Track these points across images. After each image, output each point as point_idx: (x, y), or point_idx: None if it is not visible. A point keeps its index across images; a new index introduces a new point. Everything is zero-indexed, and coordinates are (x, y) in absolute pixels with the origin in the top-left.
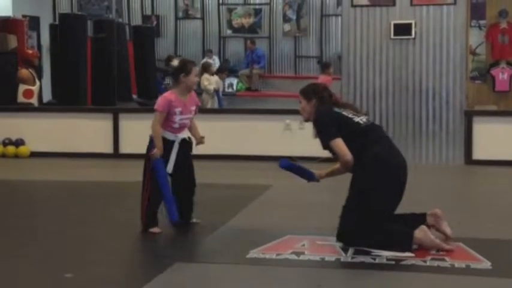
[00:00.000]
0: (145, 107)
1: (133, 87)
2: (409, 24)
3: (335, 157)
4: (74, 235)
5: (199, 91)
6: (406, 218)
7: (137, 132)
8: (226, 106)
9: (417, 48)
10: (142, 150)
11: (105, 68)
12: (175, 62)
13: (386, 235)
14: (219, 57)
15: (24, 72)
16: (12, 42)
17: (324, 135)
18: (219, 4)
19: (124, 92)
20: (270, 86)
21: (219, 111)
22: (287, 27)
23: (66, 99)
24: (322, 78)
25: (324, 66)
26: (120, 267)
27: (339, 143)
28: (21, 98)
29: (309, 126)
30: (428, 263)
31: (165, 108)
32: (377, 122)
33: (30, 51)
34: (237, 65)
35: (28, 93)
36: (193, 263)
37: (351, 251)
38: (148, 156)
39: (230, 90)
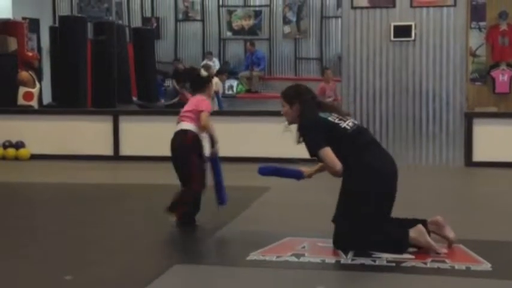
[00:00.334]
0: (146, 109)
1: (133, 89)
2: (409, 26)
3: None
4: (74, 237)
5: None
6: (405, 223)
7: (137, 134)
8: (226, 108)
9: (417, 49)
10: (143, 152)
11: (105, 70)
12: (204, 72)
13: (382, 237)
14: (219, 59)
15: (24, 74)
16: (12, 44)
17: (312, 144)
18: (219, 6)
19: (124, 94)
20: (270, 88)
21: (219, 113)
22: (287, 29)
23: (66, 101)
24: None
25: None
26: (119, 269)
27: (328, 153)
28: (21, 101)
29: (294, 128)
30: (428, 265)
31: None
32: (377, 124)
33: (30, 54)
34: (237, 67)
35: (28, 96)
36: (193, 265)
37: (351, 253)
38: (191, 151)
39: (230, 92)
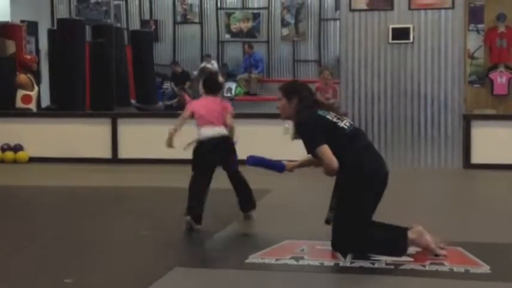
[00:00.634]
0: (144, 112)
1: (131, 92)
2: (407, 29)
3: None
4: (73, 240)
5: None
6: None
7: (136, 137)
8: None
9: (415, 52)
10: (141, 155)
11: (103, 72)
12: (221, 78)
13: (382, 239)
14: (218, 62)
15: (22, 77)
16: (11, 47)
17: (310, 141)
18: (217, 8)
19: (122, 97)
20: (269, 90)
21: None
22: (285, 31)
23: (65, 104)
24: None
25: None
26: (119, 272)
27: (326, 150)
28: (19, 104)
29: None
30: (427, 268)
31: None
32: (375, 126)
33: (28, 57)
34: (236, 69)
35: (26, 99)
36: (193, 267)
37: (350, 255)
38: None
39: (229, 94)
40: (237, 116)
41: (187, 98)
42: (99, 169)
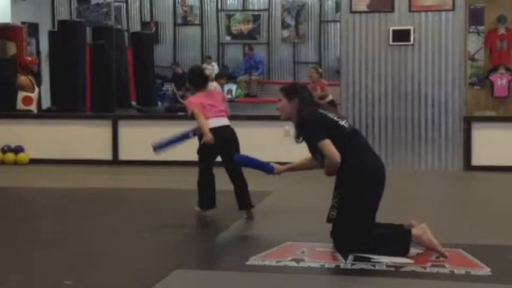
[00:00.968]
0: (145, 113)
1: (132, 93)
2: (408, 30)
3: (321, 164)
4: (73, 242)
5: None
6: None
7: (136, 139)
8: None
9: (416, 54)
10: (142, 156)
11: (104, 74)
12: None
13: (386, 237)
14: (218, 64)
15: (23, 79)
16: (11, 49)
17: (312, 136)
18: (217, 10)
19: (123, 99)
20: (269, 92)
21: None
22: (286, 33)
23: (65, 106)
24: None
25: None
26: (119, 274)
27: (328, 144)
28: (20, 105)
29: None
30: (428, 270)
31: None
32: (376, 128)
33: (29, 58)
34: (236, 71)
35: (27, 100)
36: (193, 269)
37: (350, 257)
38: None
39: (229, 96)
40: (238, 117)
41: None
42: (99, 171)
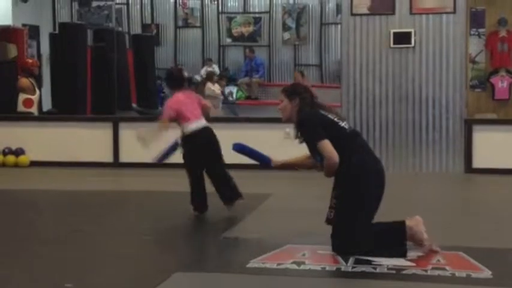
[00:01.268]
0: (145, 115)
1: (133, 96)
2: (409, 33)
3: (319, 165)
4: (74, 244)
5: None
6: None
7: (137, 141)
8: (225, 115)
9: (417, 56)
10: (143, 159)
11: (104, 77)
12: (185, 73)
13: (379, 233)
14: (219, 66)
15: (24, 81)
16: (12, 51)
17: (311, 136)
18: (218, 13)
19: (124, 101)
20: (270, 95)
21: (218, 119)
22: (286, 35)
23: (66, 108)
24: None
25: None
26: (119, 277)
27: (327, 145)
28: (21, 107)
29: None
30: (429, 273)
31: None
32: (377, 131)
33: (30, 61)
34: (237, 73)
35: (28, 103)
36: (193, 272)
37: (351, 260)
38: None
39: (230, 98)
40: (238, 120)
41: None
42: (100, 173)
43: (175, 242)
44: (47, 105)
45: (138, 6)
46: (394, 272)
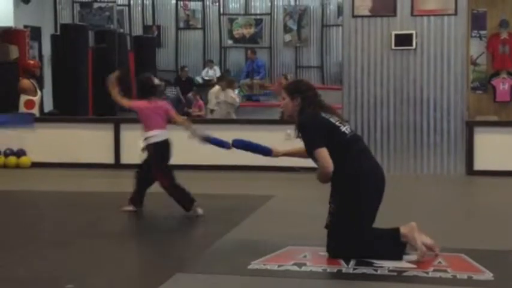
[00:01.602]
0: None
1: (134, 97)
2: (410, 35)
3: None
4: (75, 246)
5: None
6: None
7: (138, 142)
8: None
9: (418, 58)
10: None
11: (106, 78)
12: (157, 81)
13: (378, 240)
14: (220, 68)
15: (25, 82)
16: (14, 52)
17: (309, 142)
18: (220, 14)
19: None
20: (271, 96)
21: (219, 121)
22: (288, 37)
23: (67, 109)
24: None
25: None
26: (120, 278)
27: (324, 153)
28: (22, 109)
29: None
30: (430, 274)
31: None
32: (378, 133)
33: (31, 62)
34: (238, 75)
35: (29, 104)
36: (194, 273)
37: (352, 262)
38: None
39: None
40: (239, 121)
41: (202, 104)
42: (101, 174)
43: (176, 243)
44: (49, 107)
45: (140, 8)
46: (395, 274)
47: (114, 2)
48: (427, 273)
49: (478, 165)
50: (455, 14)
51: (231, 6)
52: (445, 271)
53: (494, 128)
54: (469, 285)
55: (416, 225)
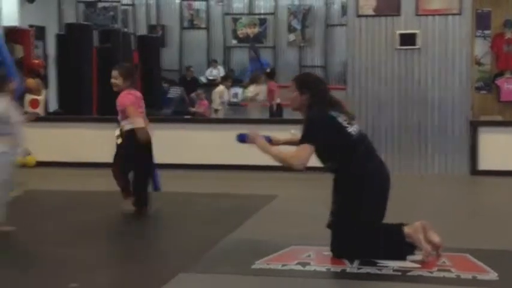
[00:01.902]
0: (150, 116)
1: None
2: (414, 34)
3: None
4: (79, 244)
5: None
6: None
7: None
8: (231, 116)
9: (422, 58)
10: None
11: (110, 77)
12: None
13: (382, 240)
14: (224, 67)
15: (30, 82)
16: (19, 52)
17: (307, 134)
18: (224, 14)
19: None
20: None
21: (224, 121)
22: (292, 37)
23: (72, 109)
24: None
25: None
26: (124, 277)
27: (307, 150)
28: (27, 108)
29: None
30: (434, 274)
31: None
32: (382, 132)
33: (36, 61)
34: (242, 74)
35: (34, 103)
36: (198, 273)
37: (357, 261)
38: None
39: (235, 99)
40: (243, 121)
41: (206, 103)
42: (106, 173)
43: (179, 243)
44: (53, 106)
45: (144, 8)
46: (399, 273)
47: (119, 1)
48: (432, 273)
49: (482, 165)
50: (460, 13)
51: (235, 6)
52: (450, 271)
53: (499, 127)
54: (474, 285)
55: (427, 223)
